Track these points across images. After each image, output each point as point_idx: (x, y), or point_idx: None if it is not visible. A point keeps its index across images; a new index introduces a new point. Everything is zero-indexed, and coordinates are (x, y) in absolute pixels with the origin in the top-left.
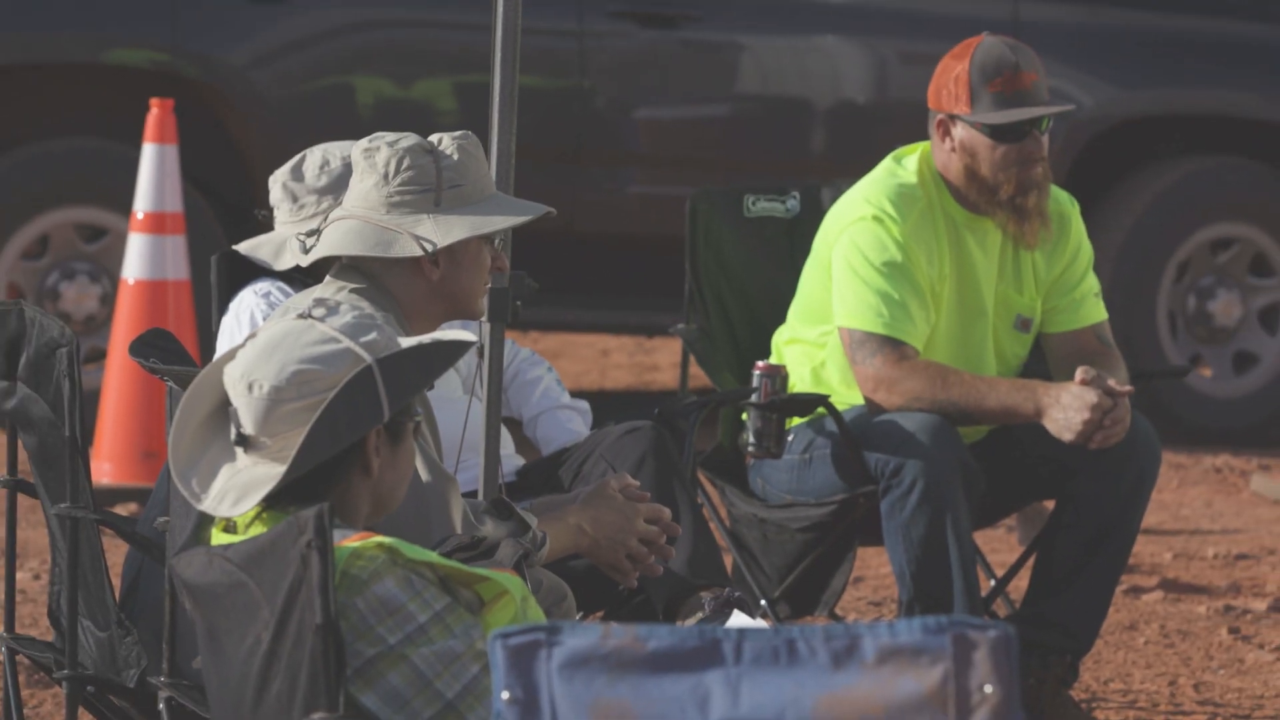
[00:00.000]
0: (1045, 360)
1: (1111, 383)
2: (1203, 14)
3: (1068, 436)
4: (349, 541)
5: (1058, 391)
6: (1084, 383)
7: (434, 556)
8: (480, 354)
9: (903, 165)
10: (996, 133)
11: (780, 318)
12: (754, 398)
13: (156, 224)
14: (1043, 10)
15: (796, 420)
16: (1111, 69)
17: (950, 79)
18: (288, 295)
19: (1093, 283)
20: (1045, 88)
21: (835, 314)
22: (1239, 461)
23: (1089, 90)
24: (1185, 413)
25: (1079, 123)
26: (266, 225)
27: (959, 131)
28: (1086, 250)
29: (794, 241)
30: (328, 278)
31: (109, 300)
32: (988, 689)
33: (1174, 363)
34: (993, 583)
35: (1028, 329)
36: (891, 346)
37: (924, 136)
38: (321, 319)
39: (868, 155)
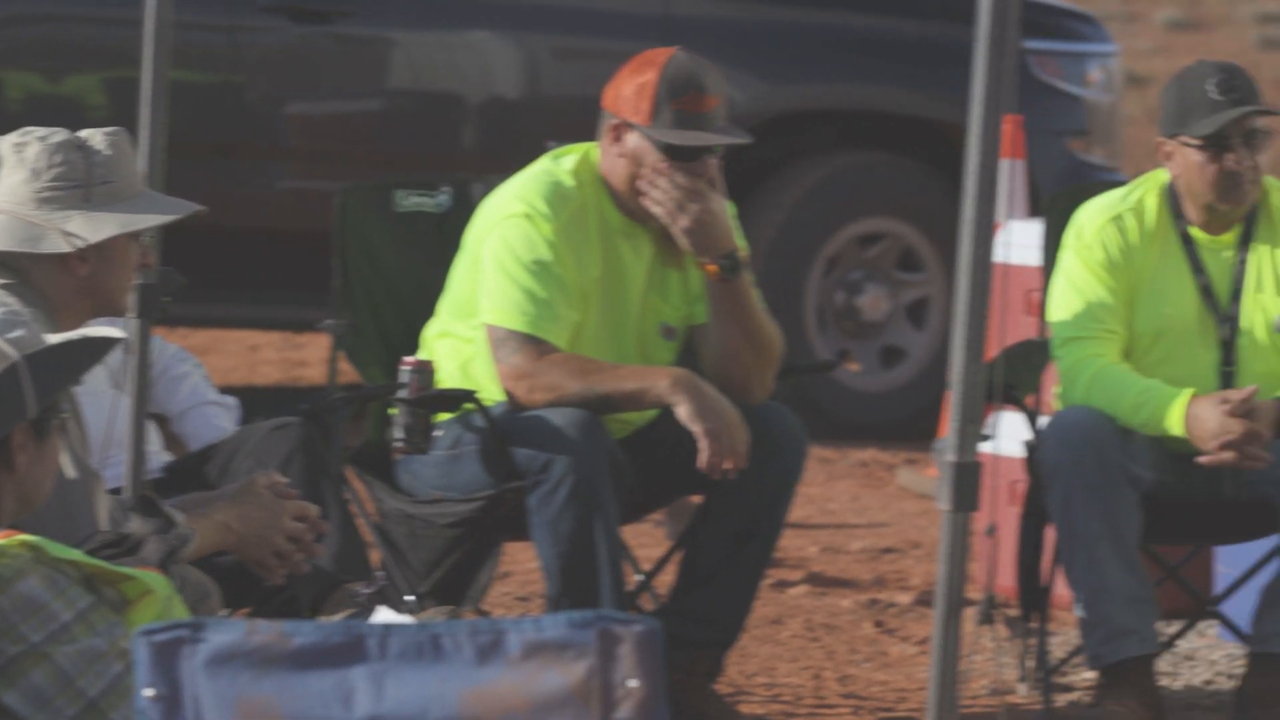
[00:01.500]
0: (699, 362)
1: None
2: (853, 10)
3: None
4: None
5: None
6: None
7: (78, 555)
8: (127, 350)
9: (560, 164)
10: (670, 151)
11: (430, 313)
12: (402, 393)
13: None
14: (694, 5)
15: (444, 416)
16: (762, 64)
17: (634, 86)
18: None
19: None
20: (725, 114)
21: (481, 310)
22: (886, 456)
23: (740, 85)
24: (832, 407)
25: (730, 117)
26: None
27: (632, 140)
28: (740, 247)
29: (445, 236)
30: None
31: None
32: (632, 683)
33: (822, 357)
34: (639, 578)
35: (672, 337)
36: (533, 344)
37: (576, 132)
38: None
39: (518, 151)
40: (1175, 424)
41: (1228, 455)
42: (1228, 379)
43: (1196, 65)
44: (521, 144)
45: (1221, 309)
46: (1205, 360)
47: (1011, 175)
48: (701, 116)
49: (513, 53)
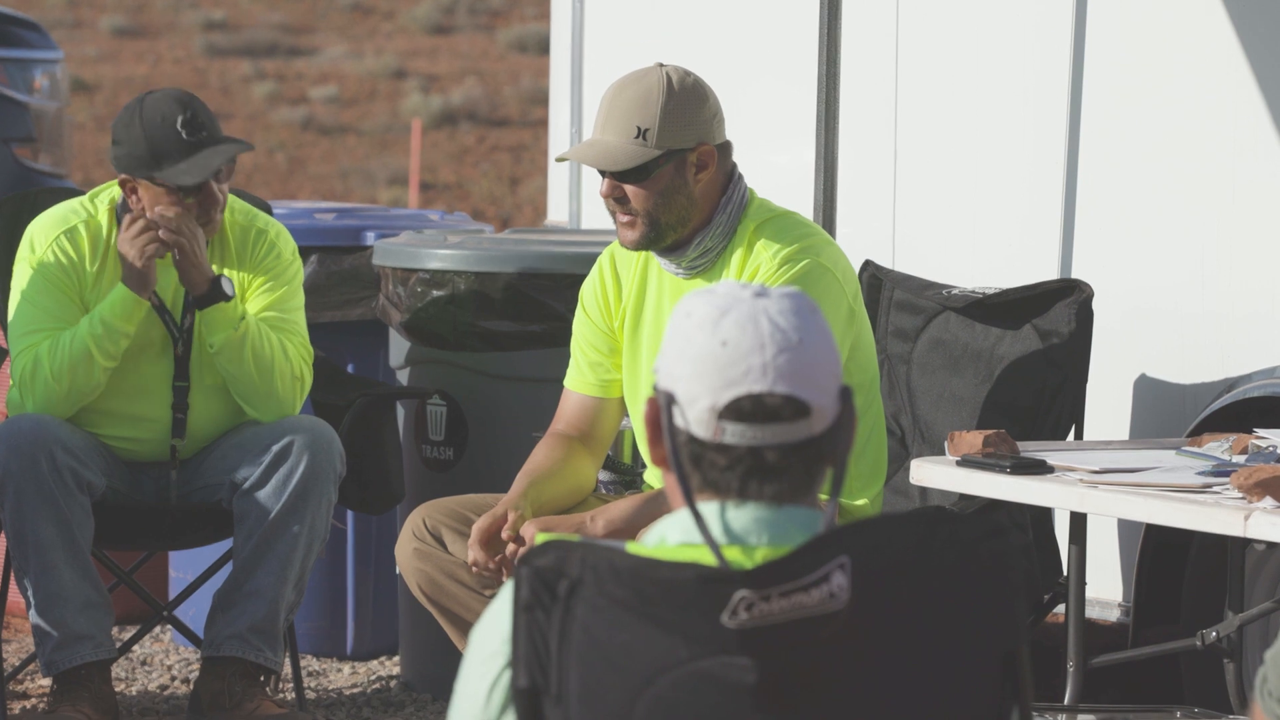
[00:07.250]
0: None
1: None
2: None
3: None
4: None
5: None
6: None
7: None
8: None
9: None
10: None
11: None
12: None
13: None
14: None
15: None
16: None
17: None
18: None
19: None
20: None
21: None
22: None
23: None
24: None
25: None
26: None
27: None
28: None
29: None
30: None
31: None
32: None
33: None
34: None
35: None
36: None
37: None
38: None
39: None
40: (117, 301)
41: None
42: (181, 392)
43: (153, 102)
44: None
45: (176, 324)
46: (160, 372)
47: None
48: None
49: None
